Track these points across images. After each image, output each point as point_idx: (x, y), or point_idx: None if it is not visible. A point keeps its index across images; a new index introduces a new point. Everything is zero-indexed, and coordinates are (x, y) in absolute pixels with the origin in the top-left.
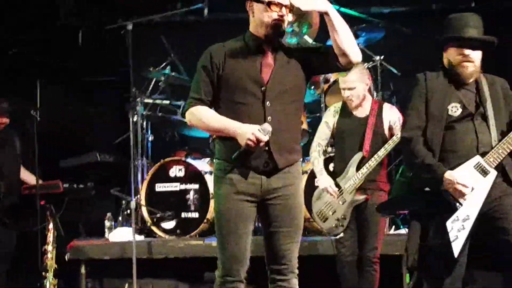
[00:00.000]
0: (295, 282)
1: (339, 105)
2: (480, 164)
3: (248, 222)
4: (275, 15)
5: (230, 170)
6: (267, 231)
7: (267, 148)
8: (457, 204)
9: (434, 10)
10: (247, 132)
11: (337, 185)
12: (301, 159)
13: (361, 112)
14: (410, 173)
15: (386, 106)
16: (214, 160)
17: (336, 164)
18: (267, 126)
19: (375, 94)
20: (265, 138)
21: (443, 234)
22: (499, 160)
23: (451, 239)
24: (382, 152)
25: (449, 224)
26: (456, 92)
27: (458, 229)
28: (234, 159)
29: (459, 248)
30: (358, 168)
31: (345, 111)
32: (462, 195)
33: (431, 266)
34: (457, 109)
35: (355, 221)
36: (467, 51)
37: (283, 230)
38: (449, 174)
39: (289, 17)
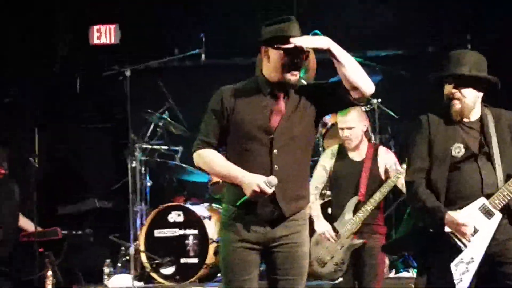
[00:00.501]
0: None
1: (336, 148)
2: (485, 206)
3: (252, 270)
4: (290, 63)
5: (236, 216)
6: (271, 278)
7: (273, 197)
8: (462, 246)
9: (430, 52)
10: (252, 183)
11: (335, 230)
12: (306, 207)
13: (357, 156)
14: (414, 216)
15: (382, 150)
16: (222, 205)
17: (333, 208)
18: (273, 179)
19: (373, 137)
20: (270, 190)
21: (447, 276)
22: (505, 202)
23: (456, 282)
24: (378, 196)
25: (453, 266)
26: (460, 132)
27: (463, 271)
28: (238, 206)
29: None
30: (355, 212)
31: (342, 154)
32: (464, 235)
33: None
34: (460, 150)
35: (353, 265)
36: (452, 89)
37: (287, 278)
38: (449, 215)
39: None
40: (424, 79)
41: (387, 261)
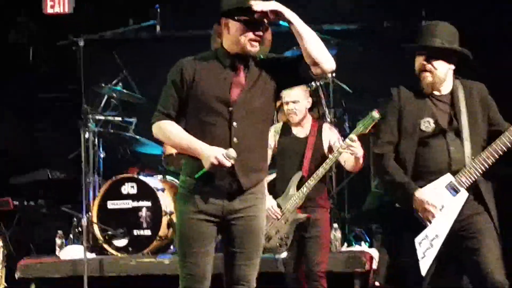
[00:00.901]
0: None
1: (279, 125)
2: (452, 183)
3: (208, 242)
4: (251, 35)
5: (194, 188)
6: (228, 250)
7: (231, 169)
8: (427, 222)
9: (385, 27)
10: (211, 155)
11: (279, 205)
12: (264, 180)
13: (301, 132)
14: (382, 188)
15: (326, 126)
16: (180, 176)
17: (278, 184)
18: (232, 152)
19: (327, 111)
20: (228, 163)
21: (412, 252)
22: (471, 181)
23: (419, 257)
24: (320, 171)
25: (417, 242)
26: (430, 106)
27: (427, 247)
28: (197, 178)
29: (427, 266)
30: (298, 187)
31: (286, 131)
32: (432, 215)
33: (402, 283)
34: (430, 124)
35: (299, 239)
36: (424, 61)
37: (243, 251)
38: (419, 194)
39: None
40: (378, 54)
41: (339, 235)
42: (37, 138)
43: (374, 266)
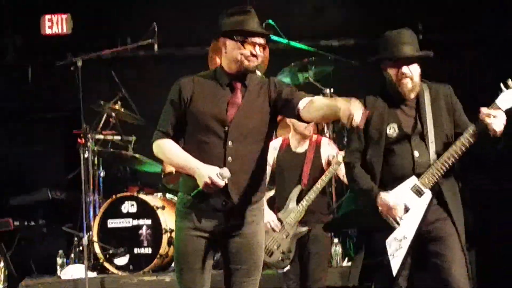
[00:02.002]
0: None
1: (278, 141)
2: (416, 185)
3: (204, 259)
4: (247, 53)
5: (190, 205)
6: (227, 267)
7: (225, 188)
8: (395, 224)
9: None
10: (205, 175)
11: (279, 220)
12: (262, 200)
13: (300, 148)
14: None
15: (324, 141)
16: (178, 194)
17: (277, 199)
18: (225, 171)
19: (325, 126)
20: (221, 183)
21: (383, 252)
22: (434, 180)
23: (390, 258)
24: (320, 184)
25: (387, 243)
26: (395, 112)
27: (396, 248)
28: (192, 196)
29: (397, 266)
30: (298, 201)
31: (284, 147)
32: (396, 216)
33: (375, 282)
34: (395, 130)
35: (299, 253)
36: (404, 69)
37: (242, 268)
38: (381, 197)
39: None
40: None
41: (340, 250)
42: (37, 158)
43: None
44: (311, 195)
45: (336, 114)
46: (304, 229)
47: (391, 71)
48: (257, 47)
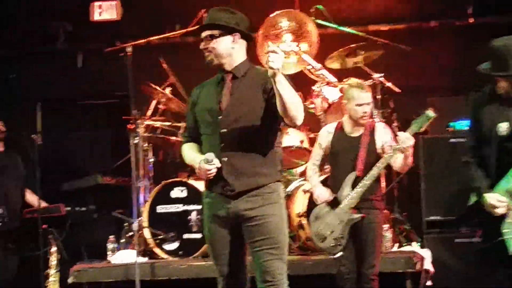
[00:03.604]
0: None
1: (333, 125)
2: None
3: (224, 243)
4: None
5: (207, 196)
6: (251, 251)
7: (220, 174)
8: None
9: (432, 27)
10: (196, 166)
11: (336, 200)
12: (273, 183)
13: (355, 132)
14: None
15: (380, 126)
16: None
17: (331, 183)
18: (209, 155)
19: (375, 112)
20: (210, 167)
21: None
22: None
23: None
24: (375, 171)
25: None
26: (506, 111)
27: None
28: (205, 187)
29: None
30: (353, 187)
31: (339, 131)
32: (499, 214)
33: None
34: (506, 129)
35: (353, 239)
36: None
37: (262, 249)
38: (485, 199)
39: (217, 45)
40: (426, 53)
41: (390, 235)
42: (87, 144)
43: (425, 266)
44: (366, 181)
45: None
46: (358, 216)
47: (503, 83)
48: (201, 43)
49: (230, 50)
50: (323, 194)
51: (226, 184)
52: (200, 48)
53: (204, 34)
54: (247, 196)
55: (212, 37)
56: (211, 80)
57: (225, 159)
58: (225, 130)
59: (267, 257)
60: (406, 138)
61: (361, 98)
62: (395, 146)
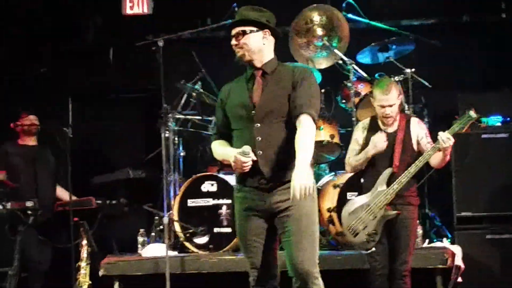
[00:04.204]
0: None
1: (367, 121)
2: None
3: (259, 237)
4: (233, 46)
5: (240, 190)
6: (283, 243)
7: (257, 166)
8: None
9: (464, 22)
10: (230, 158)
11: (368, 204)
12: None
13: (390, 127)
14: None
15: (414, 121)
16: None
17: (366, 179)
18: (245, 148)
19: (406, 107)
20: (246, 159)
21: None
22: None
23: None
24: (413, 169)
25: None
26: None
27: None
28: (237, 182)
29: None
30: (388, 183)
31: (374, 127)
32: None
33: None
34: None
35: (386, 235)
36: None
37: (293, 240)
38: None
39: (248, 42)
40: (457, 49)
41: (420, 231)
42: (118, 137)
43: (456, 262)
44: (403, 179)
45: None
46: (393, 212)
47: None
48: (233, 39)
49: (261, 46)
50: (380, 141)
51: (261, 177)
52: (231, 44)
53: (235, 30)
54: (281, 188)
55: (243, 33)
56: (239, 78)
57: (260, 152)
58: (258, 124)
59: (298, 249)
60: (447, 138)
61: (382, 100)
62: (436, 145)
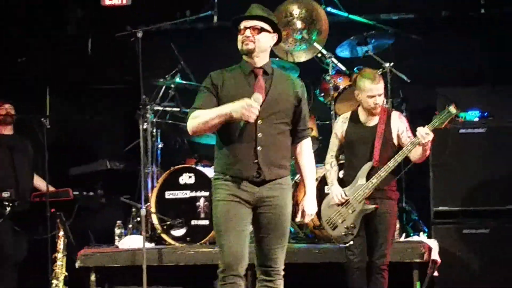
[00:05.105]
0: (280, 283)
1: (347, 115)
2: None
3: (245, 222)
4: (241, 38)
5: (226, 179)
6: (258, 236)
7: (256, 161)
8: None
9: (443, 17)
10: (240, 103)
11: (345, 194)
12: (289, 175)
13: (370, 121)
14: None
15: (395, 115)
16: (213, 174)
17: (346, 173)
18: (257, 95)
19: (385, 101)
20: (256, 104)
21: None
22: None
23: None
24: (392, 163)
25: None
26: None
27: None
28: (221, 172)
29: None
30: (368, 177)
31: (354, 121)
32: None
33: None
34: None
35: (365, 229)
36: None
37: (271, 236)
38: None
39: (261, 36)
40: (436, 43)
41: (397, 225)
42: (96, 128)
43: (433, 256)
44: (382, 173)
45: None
46: (372, 207)
47: None
48: (247, 31)
49: (268, 47)
50: (339, 195)
51: (257, 171)
52: (241, 34)
53: (251, 23)
54: (270, 184)
55: (261, 29)
56: (231, 69)
57: (260, 148)
58: (260, 121)
59: (274, 245)
60: (426, 133)
61: (372, 89)
62: (415, 141)
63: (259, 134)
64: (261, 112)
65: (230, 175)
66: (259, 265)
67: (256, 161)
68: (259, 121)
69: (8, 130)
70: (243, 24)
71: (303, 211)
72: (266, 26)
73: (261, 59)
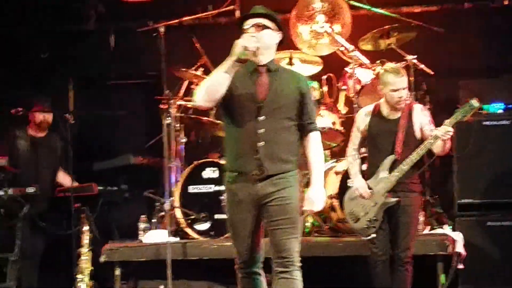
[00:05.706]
0: (297, 274)
1: (369, 108)
2: None
3: (250, 226)
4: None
5: (232, 181)
6: (269, 229)
7: (258, 156)
8: None
9: (466, 9)
10: (240, 40)
11: (369, 187)
12: (295, 170)
13: (393, 114)
14: None
15: (417, 108)
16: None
17: (368, 166)
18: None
19: (408, 94)
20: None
21: None
22: None
23: None
24: (414, 156)
25: None
26: None
27: None
28: (228, 170)
29: None
30: (390, 170)
31: (377, 114)
32: None
33: None
34: None
35: (388, 222)
36: None
37: (280, 228)
38: None
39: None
40: (459, 35)
41: (421, 218)
42: (119, 123)
43: (457, 249)
44: (404, 166)
45: None
46: (394, 199)
47: None
48: (250, 29)
49: (272, 45)
50: (362, 187)
51: (262, 167)
52: (239, 31)
53: (255, 21)
54: (273, 179)
55: (265, 27)
56: (239, 70)
57: (262, 143)
58: (263, 117)
59: (285, 236)
60: (445, 132)
61: (396, 83)
62: (436, 134)
63: (262, 130)
64: (264, 107)
65: (233, 171)
66: (274, 257)
67: (257, 156)
68: (261, 117)
69: (41, 133)
70: (249, 22)
71: (307, 200)
72: (269, 23)
73: (265, 56)
